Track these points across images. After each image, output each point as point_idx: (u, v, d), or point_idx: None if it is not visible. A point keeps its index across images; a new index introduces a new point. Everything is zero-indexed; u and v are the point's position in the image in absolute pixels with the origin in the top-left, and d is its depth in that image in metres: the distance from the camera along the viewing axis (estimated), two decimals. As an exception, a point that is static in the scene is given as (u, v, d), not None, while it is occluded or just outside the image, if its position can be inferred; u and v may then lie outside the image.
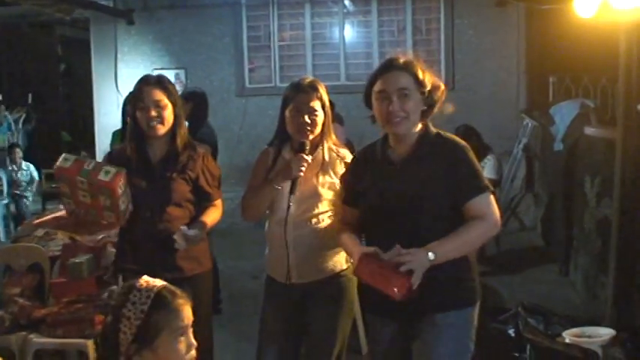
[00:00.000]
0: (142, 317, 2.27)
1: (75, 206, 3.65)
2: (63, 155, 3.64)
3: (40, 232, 5.59)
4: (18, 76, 15.30)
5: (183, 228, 3.62)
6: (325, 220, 3.56)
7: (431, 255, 2.84)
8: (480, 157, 7.78)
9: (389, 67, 3.04)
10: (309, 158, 3.47)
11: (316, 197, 3.54)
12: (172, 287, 2.41)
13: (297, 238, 3.55)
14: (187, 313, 2.36)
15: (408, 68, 3.02)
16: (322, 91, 3.53)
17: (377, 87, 3.04)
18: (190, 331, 2.37)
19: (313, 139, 3.53)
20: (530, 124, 9.47)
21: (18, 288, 4.95)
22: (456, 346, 3.09)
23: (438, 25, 10.72)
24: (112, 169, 3.52)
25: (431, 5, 10.76)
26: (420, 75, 3.02)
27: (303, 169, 3.42)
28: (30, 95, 13.91)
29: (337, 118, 10.04)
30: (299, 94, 3.50)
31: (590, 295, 6.06)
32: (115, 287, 4.65)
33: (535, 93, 10.20)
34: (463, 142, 3.16)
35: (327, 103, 3.56)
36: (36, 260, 5.13)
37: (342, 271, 3.60)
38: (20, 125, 13.99)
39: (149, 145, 3.81)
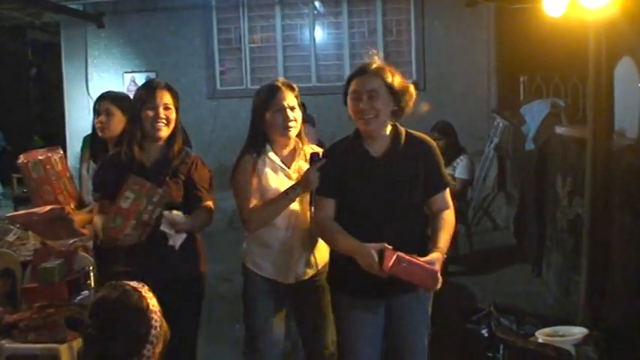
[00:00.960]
0: (158, 308, 2.35)
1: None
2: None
3: (11, 237, 5.53)
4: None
5: (166, 212, 3.62)
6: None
7: (443, 253, 3.31)
8: (454, 156, 7.80)
9: (362, 71, 3.40)
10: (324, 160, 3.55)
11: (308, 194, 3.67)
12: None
13: (301, 240, 3.70)
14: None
15: (378, 73, 3.38)
16: (297, 91, 3.72)
17: (351, 88, 3.39)
18: None
19: (291, 142, 3.70)
20: (501, 124, 9.51)
21: (-10, 293, 4.90)
22: (428, 313, 3.64)
23: (408, 26, 10.77)
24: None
25: (401, 6, 10.81)
26: (389, 79, 3.38)
27: (319, 178, 3.50)
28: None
29: (309, 119, 10.08)
30: (277, 93, 3.62)
31: (563, 294, 6.09)
32: (86, 292, 4.62)
33: (506, 92, 10.24)
34: (432, 141, 3.58)
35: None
36: (7, 265, 5.04)
37: (327, 264, 3.73)
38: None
39: (144, 149, 3.84)
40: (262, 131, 3.68)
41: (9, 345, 4.47)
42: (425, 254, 3.26)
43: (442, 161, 3.54)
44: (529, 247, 7.84)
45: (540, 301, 6.37)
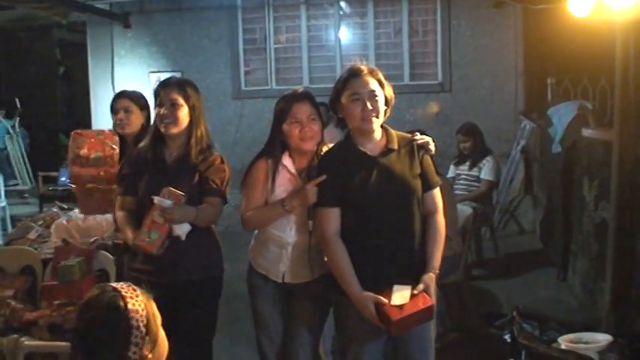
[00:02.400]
0: (144, 306, 2.26)
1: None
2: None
3: (32, 235, 5.53)
4: (16, 80, 15.25)
5: (157, 199, 3.60)
6: None
7: (436, 272, 3.43)
8: (480, 157, 7.73)
9: (357, 73, 3.44)
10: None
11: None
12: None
13: (296, 242, 3.68)
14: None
15: (373, 74, 3.47)
16: (314, 99, 3.70)
17: (349, 90, 3.42)
18: None
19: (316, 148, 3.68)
20: (528, 126, 9.41)
21: (10, 290, 4.89)
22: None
23: (434, 27, 10.68)
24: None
25: (427, 7, 10.73)
26: (382, 80, 3.48)
27: (317, 194, 3.49)
28: (17, 100, 13.85)
29: (331, 120, 10.04)
30: (295, 104, 3.63)
31: (589, 300, 6.00)
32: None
33: (533, 94, 10.14)
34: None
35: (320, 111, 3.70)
36: (28, 263, 5.06)
37: (329, 271, 3.66)
38: (17, 129, 13.95)
39: (166, 145, 3.88)
40: (280, 139, 3.69)
41: (28, 342, 4.51)
42: (423, 254, 3.45)
43: (431, 161, 3.62)
44: (555, 251, 7.75)
45: (565, 307, 6.28)
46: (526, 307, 5.10)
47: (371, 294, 3.29)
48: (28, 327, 4.60)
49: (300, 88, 3.79)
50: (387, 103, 3.49)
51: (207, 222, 3.87)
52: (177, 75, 10.70)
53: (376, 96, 3.41)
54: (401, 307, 3.25)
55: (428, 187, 3.54)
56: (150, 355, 2.23)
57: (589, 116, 6.68)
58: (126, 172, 4.00)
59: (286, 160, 3.68)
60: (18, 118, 14.01)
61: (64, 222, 5.58)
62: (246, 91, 11.13)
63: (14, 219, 10.06)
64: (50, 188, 10.48)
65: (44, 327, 4.54)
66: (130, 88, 7.59)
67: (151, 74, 11.28)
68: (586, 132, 6.38)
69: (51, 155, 13.76)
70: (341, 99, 3.46)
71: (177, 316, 3.83)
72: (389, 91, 3.50)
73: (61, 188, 9.60)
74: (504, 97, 10.35)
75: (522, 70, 10.29)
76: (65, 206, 6.99)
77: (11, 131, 13.68)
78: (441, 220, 3.57)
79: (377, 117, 3.42)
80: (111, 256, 4.90)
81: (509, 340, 4.82)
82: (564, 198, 7.27)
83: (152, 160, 3.87)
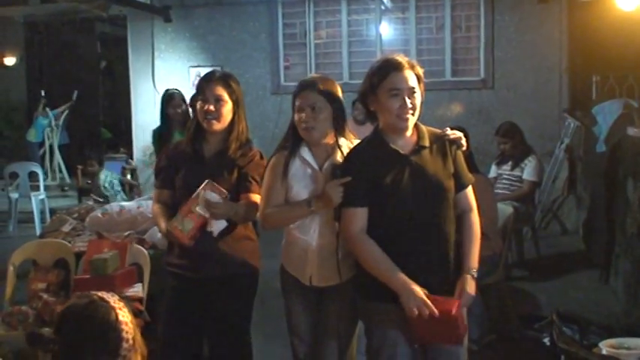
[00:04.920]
0: (131, 319, 2.23)
1: None
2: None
3: (66, 228, 5.57)
4: (59, 73, 15.42)
5: (202, 192, 3.56)
6: None
7: (474, 272, 3.30)
8: (522, 157, 7.62)
9: (398, 67, 3.25)
10: (349, 179, 3.35)
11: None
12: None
13: (322, 245, 3.52)
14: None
15: (414, 69, 3.29)
16: (325, 85, 3.49)
17: (388, 85, 3.23)
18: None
19: (321, 141, 3.51)
20: (572, 124, 9.25)
21: (44, 283, 4.93)
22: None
23: (477, 22, 10.53)
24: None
25: (470, 1, 10.58)
26: (420, 75, 3.32)
27: (341, 194, 3.32)
28: (75, 92, 14.00)
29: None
30: (302, 91, 3.50)
31: (632, 304, 5.84)
32: (138, 285, 4.59)
33: (578, 92, 9.96)
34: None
35: (340, 98, 3.52)
36: (62, 256, 5.09)
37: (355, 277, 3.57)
38: (61, 122, 14.09)
39: (205, 140, 3.83)
40: (296, 129, 3.55)
41: (60, 335, 4.49)
42: (458, 255, 3.32)
43: (463, 158, 3.46)
44: (598, 252, 7.59)
45: (607, 310, 6.12)
46: (566, 310, 5.00)
47: (421, 294, 3.13)
48: (61, 320, 4.60)
49: (315, 74, 3.70)
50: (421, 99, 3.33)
51: (245, 219, 3.82)
52: (218, 69, 10.80)
53: (415, 92, 3.25)
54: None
55: (461, 185, 3.39)
56: None
57: (635, 115, 6.55)
58: (163, 165, 3.97)
59: (305, 153, 3.52)
60: (67, 111, 14.13)
61: (100, 215, 5.59)
62: (285, 86, 11.07)
63: (53, 212, 10.14)
64: (88, 182, 10.56)
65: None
66: (170, 82, 7.61)
67: (191, 69, 11.29)
68: (631, 131, 6.24)
69: (92, 149, 13.89)
70: (377, 92, 3.26)
71: (212, 312, 3.84)
72: (423, 87, 3.32)
73: (100, 182, 9.64)
74: (548, 94, 10.17)
75: (566, 67, 10.10)
76: (101, 199, 7.06)
77: (52, 124, 13.79)
78: (475, 218, 3.43)
79: (414, 115, 3.26)
80: (145, 250, 4.89)
81: (548, 344, 4.75)
82: (608, 198, 7.13)
83: (190, 154, 3.82)
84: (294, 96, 3.53)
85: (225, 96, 3.73)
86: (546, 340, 4.81)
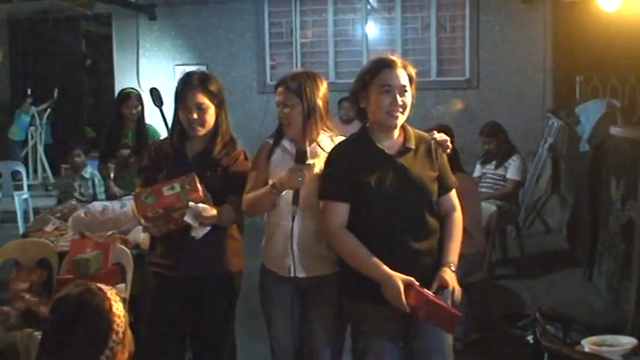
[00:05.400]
0: (124, 312, 2.22)
1: (166, 225, 3.68)
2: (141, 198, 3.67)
3: (49, 228, 5.52)
4: (43, 71, 15.31)
5: (192, 204, 3.55)
6: None
7: (453, 267, 3.28)
8: (506, 156, 7.65)
9: (391, 65, 3.28)
10: (312, 165, 3.41)
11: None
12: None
13: (303, 231, 3.50)
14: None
15: (406, 68, 3.31)
16: (295, 82, 3.50)
17: (380, 81, 3.26)
18: None
19: (298, 135, 3.52)
20: (556, 124, 9.29)
21: (26, 283, 4.89)
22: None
23: (462, 22, 10.53)
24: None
25: (456, 1, 10.57)
26: (413, 75, 3.33)
27: (304, 178, 3.34)
28: (56, 90, 13.91)
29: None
30: (276, 89, 3.58)
31: (614, 302, 5.87)
32: (122, 285, 4.57)
33: (562, 92, 10.00)
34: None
35: (313, 95, 3.50)
36: (45, 255, 5.05)
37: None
38: (45, 120, 14.01)
39: (188, 140, 3.83)
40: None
41: (43, 336, 4.46)
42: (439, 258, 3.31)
43: (447, 159, 3.49)
44: (581, 251, 7.62)
45: (590, 308, 6.16)
46: (549, 309, 5.02)
47: (400, 275, 3.12)
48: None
49: (294, 70, 3.74)
50: (412, 96, 3.35)
51: (231, 222, 3.83)
52: (203, 68, 10.78)
53: (406, 91, 3.27)
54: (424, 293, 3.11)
55: (445, 188, 3.42)
56: None
57: (618, 114, 6.58)
58: (145, 164, 3.95)
59: (286, 143, 3.57)
60: (50, 110, 14.05)
61: (82, 214, 5.56)
62: (271, 85, 10.92)
63: (37, 211, 10.08)
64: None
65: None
66: (155, 81, 7.56)
67: (176, 67, 11.24)
68: (614, 130, 6.27)
69: (75, 148, 13.78)
70: (368, 88, 3.29)
71: (195, 311, 3.82)
72: (414, 88, 3.34)
73: (84, 180, 9.57)
74: (532, 94, 10.20)
75: (551, 67, 10.13)
76: (83, 199, 7.01)
77: (37, 123, 13.71)
78: (458, 217, 3.45)
79: (403, 113, 3.28)
80: (128, 250, 4.87)
81: (531, 342, 4.76)
82: (591, 197, 7.16)
83: (173, 153, 3.82)
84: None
85: (207, 102, 3.72)
86: (530, 338, 4.82)
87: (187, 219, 3.56)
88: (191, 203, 3.54)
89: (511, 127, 7.99)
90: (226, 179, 3.76)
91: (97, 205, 5.74)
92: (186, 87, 3.72)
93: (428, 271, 3.26)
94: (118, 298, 2.20)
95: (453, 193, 3.47)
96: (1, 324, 4.54)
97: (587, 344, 4.39)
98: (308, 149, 3.42)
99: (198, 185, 3.57)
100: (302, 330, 3.64)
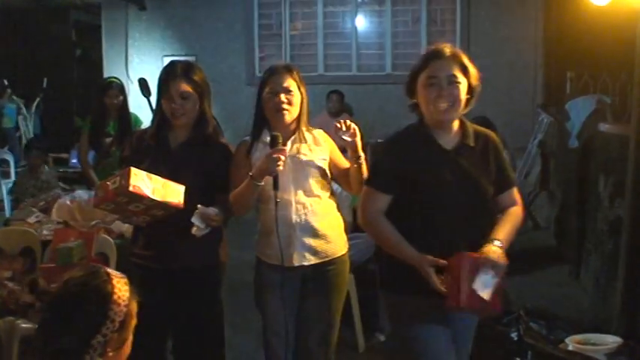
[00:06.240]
0: (127, 304, 2.16)
1: (136, 217, 3.61)
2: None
3: (32, 220, 5.48)
4: (33, 61, 15.25)
5: (201, 207, 3.52)
6: (323, 201, 3.61)
7: (498, 243, 3.03)
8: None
9: (438, 55, 3.12)
10: (286, 149, 3.45)
11: (308, 178, 3.56)
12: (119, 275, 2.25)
13: (295, 220, 3.54)
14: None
15: (455, 57, 3.13)
16: (297, 74, 3.61)
17: (426, 73, 3.10)
18: None
19: (290, 124, 3.57)
20: (545, 120, 9.26)
21: (9, 272, 4.86)
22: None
23: (453, 16, 10.55)
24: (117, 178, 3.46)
25: (447, -5, 10.57)
26: (467, 64, 3.14)
27: (280, 164, 3.36)
28: (45, 80, 13.86)
29: (346, 109, 10.01)
30: (273, 75, 3.57)
31: (600, 300, 5.85)
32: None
33: (552, 88, 9.98)
34: (496, 137, 3.33)
35: (304, 88, 3.61)
36: (28, 244, 5.02)
37: (342, 255, 3.66)
38: (33, 110, 13.96)
39: (171, 130, 3.78)
40: (262, 114, 3.62)
41: (25, 325, 4.41)
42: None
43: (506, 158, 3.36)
44: (569, 248, 7.61)
45: (576, 305, 6.14)
46: (534, 306, 5.00)
47: (430, 257, 2.97)
48: (25, 310, 4.52)
49: (281, 62, 3.75)
50: (470, 91, 3.16)
51: (226, 219, 3.78)
52: (191, 59, 10.71)
53: (456, 82, 3.07)
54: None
55: (505, 186, 3.25)
56: (111, 354, 2.13)
57: (607, 111, 6.56)
58: (127, 154, 3.92)
59: (266, 137, 3.55)
60: (38, 99, 14.01)
61: (68, 202, 5.52)
62: (260, 77, 11.01)
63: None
64: (61, 170, 10.47)
65: (41, 310, 4.48)
66: (143, 71, 7.51)
67: (165, 58, 11.17)
68: (603, 127, 6.24)
69: (64, 137, 13.75)
70: (417, 81, 3.14)
71: (179, 304, 3.78)
72: (474, 78, 3.16)
73: (71, 170, 9.57)
74: (523, 89, 10.20)
75: (542, 63, 10.12)
76: (67, 187, 6.95)
77: (24, 112, 13.66)
78: (518, 209, 3.26)
79: (454, 106, 3.08)
80: (112, 240, 4.84)
81: (515, 339, 4.72)
82: (579, 194, 7.15)
83: (155, 144, 3.77)
84: (264, 81, 3.62)
85: (190, 90, 3.68)
86: (514, 335, 4.79)
87: (194, 220, 3.52)
88: (199, 206, 3.52)
89: (501, 123, 7.93)
90: (215, 172, 3.73)
91: (82, 194, 5.71)
92: (170, 76, 3.69)
93: None
94: (125, 288, 2.16)
95: (514, 191, 3.29)
96: (-18, 312, 4.53)
97: (572, 342, 4.37)
98: (289, 142, 3.51)
99: (130, 180, 3.39)
100: (300, 319, 3.68)
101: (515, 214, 3.22)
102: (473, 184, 3.12)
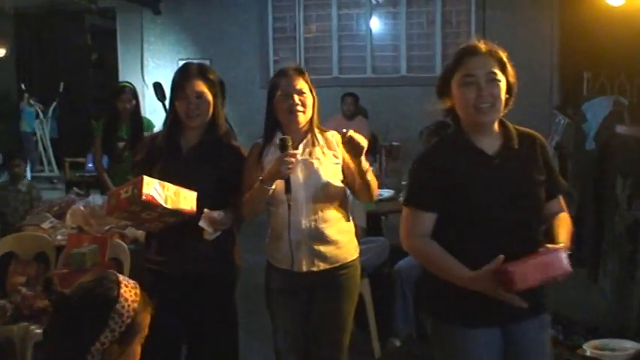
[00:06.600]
0: (133, 315, 2.09)
1: (149, 224, 3.59)
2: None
3: (46, 225, 5.48)
4: (49, 65, 15.33)
5: (207, 210, 3.50)
6: (334, 206, 3.56)
7: (562, 247, 2.74)
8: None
9: (474, 51, 2.84)
10: (298, 152, 3.41)
11: (320, 181, 3.51)
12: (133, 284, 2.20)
13: (306, 226, 3.50)
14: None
15: (493, 53, 2.85)
16: (308, 75, 3.59)
17: (461, 72, 2.81)
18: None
19: (302, 127, 3.53)
20: (562, 121, 9.18)
21: (23, 277, 4.88)
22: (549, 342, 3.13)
23: (468, 17, 10.50)
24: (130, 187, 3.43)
25: (462, -4, 10.53)
26: (505, 60, 2.86)
27: (291, 166, 3.34)
28: (62, 85, 13.93)
29: (361, 111, 9.97)
30: (285, 78, 3.53)
31: (619, 304, 5.79)
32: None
33: (569, 89, 9.92)
34: (543, 138, 3.02)
35: (314, 90, 3.59)
36: (42, 249, 5.03)
37: (352, 260, 3.62)
38: (50, 114, 14.02)
39: (183, 134, 3.75)
40: (274, 117, 3.59)
41: (38, 331, 4.40)
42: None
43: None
44: (586, 251, 7.54)
45: (594, 309, 6.05)
46: (551, 310, 4.92)
47: (483, 269, 2.63)
48: (39, 315, 4.53)
49: (292, 64, 3.72)
50: (509, 90, 2.85)
51: (237, 223, 3.78)
52: (206, 63, 10.71)
53: (496, 79, 2.78)
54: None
55: (554, 192, 2.95)
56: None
57: (625, 112, 6.49)
58: (139, 159, 3.89)
59: (278, 140, 3.51)
60: (54, 103, 14.08)
61: (82, 207, 5.52)
62: (273, 80, 11.04)
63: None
64: (77, 174, 10.50)
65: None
66: (159, 75, 7.52)
67: (180, 61, 11.18)
68: (620, 129, 6.18)
69: (80, 141, 13.82)
70: (450, 83, 2.85)
71: (192, 310, 3.76)
72: (512, 75, 2.86)
73: (87, 174, 9.58)
74: (539, 90, 10.11)
75: (558, 64, 10.04)
76: (82, 192, 6.94)
77: (41, 116, 13.73)
78: (567, 216, 2.96)
79: (494, 106, 2.79)
80: (125, 245, 4.83)
81: (532, 344, 4.66)
82: (596, 196, 7.08)
83: (167, 147, 3.74)
84: (276, 85, 3.57)
85: (206, 90, 3.66)
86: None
87: (202, 224, 3.50)
88: (206, 210, 3.50)
89: (517, 124, 7.89)
90: (228, 176, 3.69)
91: (96, 199, 5.72)
92: (185, 76, 3.68)
93: (526, 294, 2.68)
94: (134, 299, 2.11)
95: (561, 200, 3.01)
96: (-3, 317, 4.52)
97: (589, 348, 4.31)
98: (302, 145, 3.48)
99: (143, 189, 3.36)
100: (311, 325, 3.66)
101: (567, 219, 2.94)
102: (522, 192, 2.84)
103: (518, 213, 2.81)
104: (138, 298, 2.14)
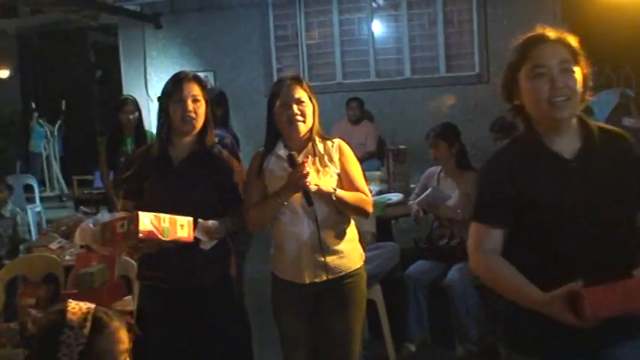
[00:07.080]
0: (84, 342, 2.03)
1: (146, 248, 3.56)
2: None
3: (54, 245, 5.47)
4: (54, 84, 15.37)
5: (202, 221, 3.48)
6: (336, 215, 3.53)
7: None
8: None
9: (542, 39, 2.50)
10: (307, 162, 3.38)
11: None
12: (104, 309, 2.16)
13: (307, 237, 3.48)
14: (124, 337, 2.13)
15: (563, 41, 2.49)
16: (306, 83, 3.56)
17: (530, 64, 2.47)
18: (126, 356, 2.14)
19: (303, 136, 3.51)
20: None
21: (33, 299, 4.83)
22: None
23: (470, 16, 10.43)
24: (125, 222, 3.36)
25: (463, -5, 10.49)
26: (577, 49, 2.50)
27: (306, 179, 3.33)
28: (63, 102, 13.95)
29: (367, 115, 9.93)
30: (283, 87, 3.51)
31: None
32: (128, 297, 4.51)
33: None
34: (630, 137, 2.61)
35: (314, 97, 3.56)
36: (51, 270, 5.00)
37: (357, 269, 3.60)
38: (56, 132, 14.04)
39: (173, 145, 3.71)
40: (274, 127, 3.56)
41: (49, 353, 4.40)
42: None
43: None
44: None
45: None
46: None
47: (558, 291, 2.26)
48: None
49: (290, 73, 3.71)
50: (584, 82, 2.48)
51: (238, 230, 3.77)
52: (210, 75, 10.75)
53: (570, 69, 2.43)
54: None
55: None
56: None
57: (631, 104, 6.45)
58: (128, 174, 3.86)
59: (280, 150, 3.54)
60: (59, 121, 14.09)
61: (90, 225, 5.48)
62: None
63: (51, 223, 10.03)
64: (85, 192, 10.50)
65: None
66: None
67: (184, 75, 11.22)
68: (627, 121, 6.13)
69: (87, 159, 13.83)
70: (517, 77, 2.53)
71: (196, 323, 3.72)
72: (586, 66, 2.50)
73: (96, 192, 9.57)
74: (544, 87, 10.04)
75: (562, 58, 9.97)
76: (89, 210, 6.92)
77: (49, 135, 13.75)
78: None
79: (571, 99, 2.42)
80: (134, 262, 4.80)
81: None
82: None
83: (157, 160, 3.70)
84: (275, 94, 3.55)
85: (201, 94, 3.66)
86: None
87: (198, 234, 3.49)
88: (200, 220, 3.48)
89: (523, 121, 7.84)
90: (222, 186, 3.69)
91: (105, 216, 5.68)
92: (180, 79, 3.65)
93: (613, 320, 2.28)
94: (83, 332, 2.07)
95: None
96: (7, 341, 4.54)
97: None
98: (300, 156, 3.46)
99: (139, 227, 3.26)
100: (319, 335, 3.65)
101: None
102: (606, 200, 2.45)
103: (600, 226, 2.44)
104: (88, 324, 2.08)
